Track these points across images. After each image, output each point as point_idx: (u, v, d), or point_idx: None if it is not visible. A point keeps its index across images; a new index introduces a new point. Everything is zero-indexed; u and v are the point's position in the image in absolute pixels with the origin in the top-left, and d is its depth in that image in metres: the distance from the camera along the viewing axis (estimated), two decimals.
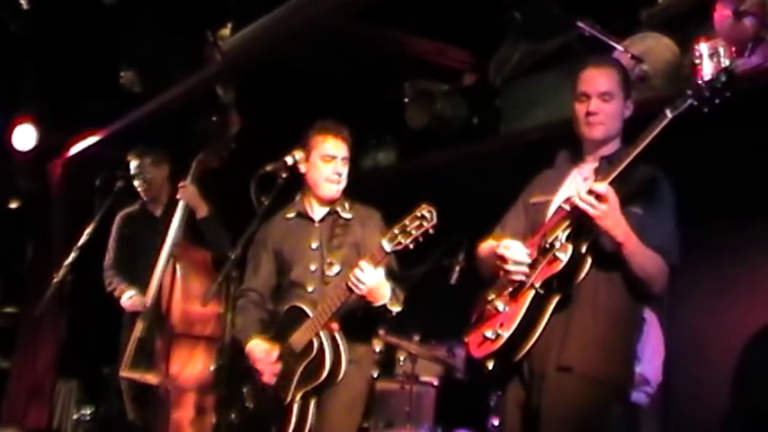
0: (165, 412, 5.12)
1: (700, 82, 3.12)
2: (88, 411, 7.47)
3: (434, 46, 6.47)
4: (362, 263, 3.81)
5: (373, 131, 7.08)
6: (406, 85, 6.59)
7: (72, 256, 5.57)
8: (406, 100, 6.58)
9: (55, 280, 5.64)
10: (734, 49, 4.63)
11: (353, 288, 3.82)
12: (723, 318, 5.09)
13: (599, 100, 3.45)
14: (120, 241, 5.96)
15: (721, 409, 4.98)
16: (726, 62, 4.68)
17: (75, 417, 7.53)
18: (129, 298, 5.68)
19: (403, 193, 6.36)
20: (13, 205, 8.90)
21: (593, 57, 3.68)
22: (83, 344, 7.56)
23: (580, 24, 5.20)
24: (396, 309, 4.06)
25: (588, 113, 3.46)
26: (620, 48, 5.10)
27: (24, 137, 7.86)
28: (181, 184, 5.54)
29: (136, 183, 5.90)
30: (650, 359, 4.92)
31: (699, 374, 5.12)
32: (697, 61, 4.79)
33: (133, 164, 5.91)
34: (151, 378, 5.22)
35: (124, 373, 5.37)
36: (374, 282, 3.83)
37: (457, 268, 5.49)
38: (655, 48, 5.05)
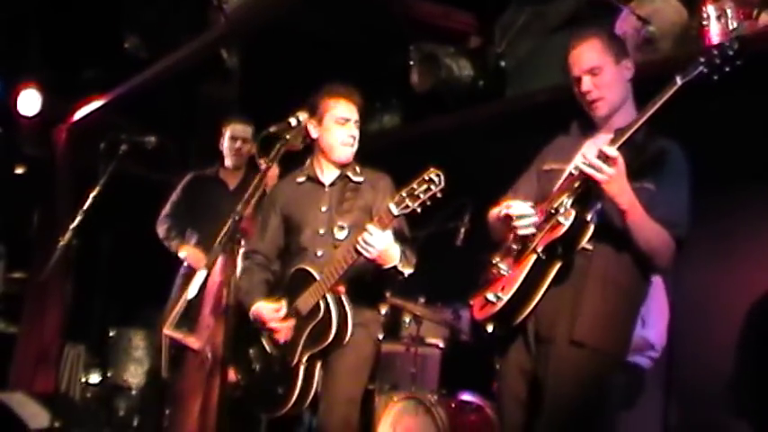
0: (195, 377, 5.14)
1: (712, 50, 3.08)
2: (96, 375, 7.52)
3: (440, 9, 6.44)
4: (370, 226, 3.80)
5: (379, 95, 7.07)
6: (411, 48, 6.57)
7: (77, 219, 5.57)
8: (412, 63, 6.56)
9: (60, 244, 5.64)
10: (741, 11, 4.61)
11: (362, 251, 3.82)
12: (728, 281, 5.09)
13: (588, 77, 3.42)
14: (184, 198, 5.94)
15: (726, 374, 4.99)
16: (733, 24, 4.68)
17: (83, 381, 7.58)
18: (185, 256, 5.71)
19: (408, 156, 6.37)
20: (19, 171, 8.91)
21: (573, 35, 3.58)
22: (90, 308, 7.58)
23: None
24: (407, 270, 4.08)
25: (583, 94, 3.44)
26: (626, 9, 5.07)
27: (29, 103, 7.86)
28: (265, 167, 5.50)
29: (228, 146, 5.85)
30: (655, 323, 4.92)
31: (703, 338, 5.12)
32: (705, 23, 4.80)
33: (238, 131, 5.87)
34: (192, 341, 5.23)
35: (168, 330, 5.37)
36: (383, 245, 3.83)
37: (462, 230, 5.49)
38: (662, 9, 5.03)
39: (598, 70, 3.41)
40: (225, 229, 5.09)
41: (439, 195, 3.63)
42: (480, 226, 3.82)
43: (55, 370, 7.37)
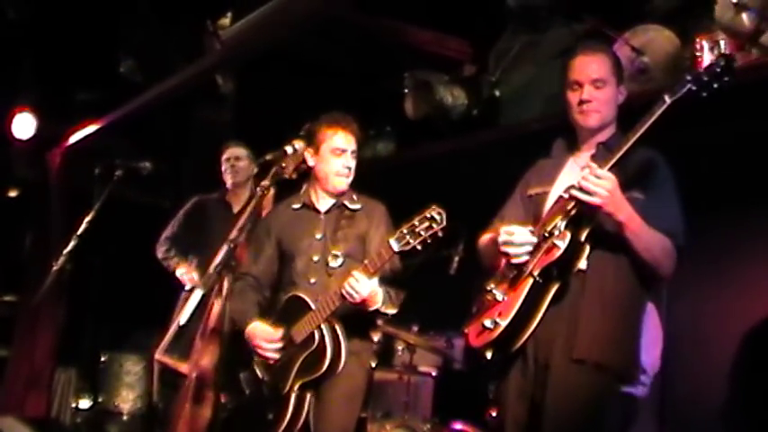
0: (186, 403, 5.11)
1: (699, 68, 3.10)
2: (87, 400, 7.48)
3: (434, 36, 6.47)
4: (356, 273, 3.84)
5: (373, 121, 7.08)
6: (405, 75, 6.60)
7: (71, 244, 5.56)
8: (406, 90, 6.58)
9: (54, 268, 5.63)
10: (734, 43, 4.65)
11: (347, 297, 3.86)
12: (721, 308, 5.08)
13: (591, 87, 3.44)
14: (187, 221, 5.92)
15: (719, 400, 4.98)
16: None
17: (73, 405, 7.53)
18: (182, 273, 5.68)
19: (402, 183, 6.40)
20: (12, 194, 8.90)
21: (584, 44, 3.65)
22: (82, 332, 7.56)
23: (581, 15, 5.21)
24: (390, 311, 4.14)
25: (582, 102, 3.45)
26: (620, 39, 5.10)
27: (23, 126, 7.86)
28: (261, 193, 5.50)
29: (224, 167, 5.83)
30: (647, 350, 4.91)
31: (697, 365, 5.11)
32: (698, 54, 4.80)
33: (231, 151, 5.86)
34: (183, 367, 5.21)
35: (158, 355, 5.36)
36: (367, 292, 3.87)
37: (456, 259, 5.48)
38: (656, 40, 5.06)
39: (602, 84, 3.44)
40: (220, 254, 5.13)
41: (440, 234, 3.65)
42: (474, 254, 3.83)
43: (46, 394, 7.33)
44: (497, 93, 6.15)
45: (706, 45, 4.64)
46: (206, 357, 5.05)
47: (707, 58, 4.70)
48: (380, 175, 6.59)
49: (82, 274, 6.44)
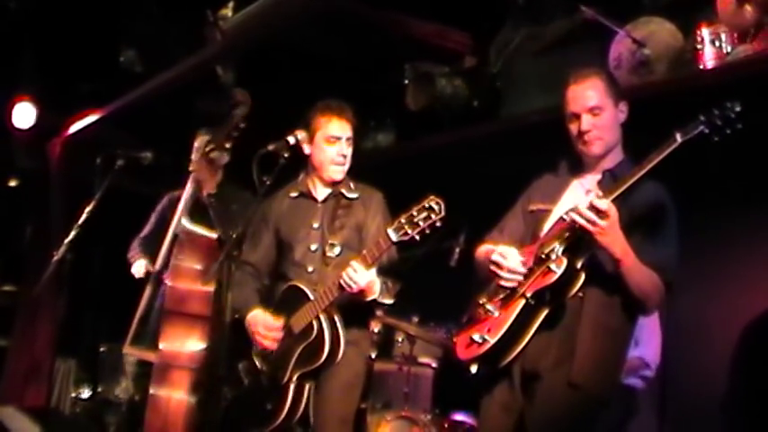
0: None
1: (714, 110, 3.06)
2: (86, 390, 7.49)
3: (435, 28, 6.46)
4: (354, 263, 3.85)
5: (373, 113, 7.08)
6: (406, 66, 6.59)
7: (71, 234, 5.56)
8: (407, 82, 6.58)
9: (54, 258, 5.63)
10: (735, 35, 4.65)
11: (345, 287, 3.86)
12: (722, 303, 5.10)
13: (589, 116, 3.41)
14: (158, 220, 5.90)
15: (720, 395, 4.99)
16: (727, 48, 4.71)
17: (73, 395, 7.54)
18: (138, 267, 5.68)
19: (403, 174, 6.40)
20: (12, 184, 8.89)
21: (575, 71, 3.57)
22: (81, 323, 7.56)
23: (582, 8, 5.21)
24: (387, 301, 4.15)
25: (582, 132, 3.43)
26: (622, 32, 5.10)
27: (23, 115, 7.84)
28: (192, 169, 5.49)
29: (192, 157, 5.76)
30: (648, 341, 4.93)
31: (697, 360, 5.13)
32: (699, 46, 4.83)
33: (202, 139, 5.76)
34: (150, 355, 5.23)
35: (125, 349, 5.39)
36: (365, 282, 3.88)
37: (456, 250, 5.48)
38: (657, 32, 5.06)
39: (599, 110, 3.41)
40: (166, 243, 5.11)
41: (439, 224, 3.62)
42: (475, 246, 3.83)
43: (46, 384, 7.34)
44: (498, 84, 6.16)
45: (707, 37, 4.67)
46: (166, 340, 5.07)
47: (708, 50, 4.73)
48: (381, 166, 6.60)
49: (82, 264, 6.41)
